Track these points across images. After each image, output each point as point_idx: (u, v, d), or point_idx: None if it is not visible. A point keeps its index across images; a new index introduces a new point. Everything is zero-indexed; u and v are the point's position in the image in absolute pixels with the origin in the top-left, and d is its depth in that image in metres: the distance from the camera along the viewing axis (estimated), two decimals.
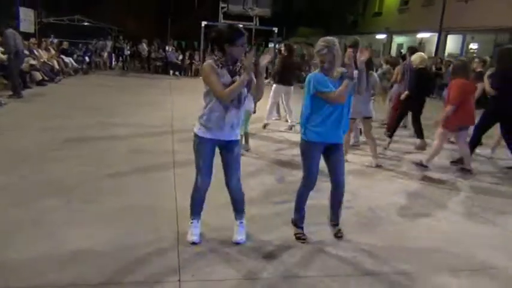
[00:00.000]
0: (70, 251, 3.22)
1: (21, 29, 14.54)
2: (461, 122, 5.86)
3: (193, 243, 3.45)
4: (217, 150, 3.45)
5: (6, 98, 9.55)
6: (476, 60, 8.33)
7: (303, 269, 3.25)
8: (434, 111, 7.95)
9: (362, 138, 7.18)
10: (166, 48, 20.72)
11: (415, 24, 23.05)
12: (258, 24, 18.47)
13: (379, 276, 3.21)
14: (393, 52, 25.77)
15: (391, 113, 8.43)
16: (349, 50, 3.32)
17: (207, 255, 3.32)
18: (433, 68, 15.44)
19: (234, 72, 3.25)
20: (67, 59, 16.26)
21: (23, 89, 10.46)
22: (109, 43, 20.91)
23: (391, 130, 7.41)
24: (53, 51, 15.11)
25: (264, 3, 17.80)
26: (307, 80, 3.59)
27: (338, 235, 3.75)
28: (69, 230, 3.55)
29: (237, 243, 3.50)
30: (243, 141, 6.24)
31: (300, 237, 3.68)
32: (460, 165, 6.26)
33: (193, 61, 19.95)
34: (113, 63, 21.37)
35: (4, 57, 10.51)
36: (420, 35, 23.94)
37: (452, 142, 7.07)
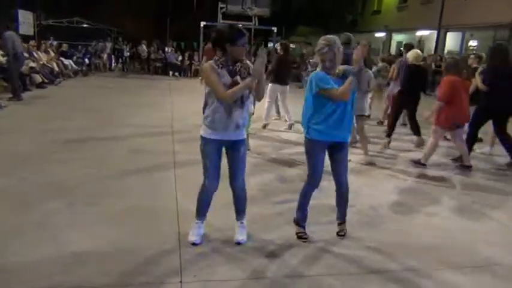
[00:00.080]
0: (73, 253, 3.23)
1: (21, 31, 14.55)
2: (454, 119, 5.85)
3: (194, 244, 3.45)
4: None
5: (6, 100, 9.56)
6: (472, 56, 8.34)
7: (307, 268, 3.24)
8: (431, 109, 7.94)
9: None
10: (166, 49, 20.72)
11: (414, 22, 23.04)
12: (257, 24, 18.47)
13: (386, 274, 3.22)
14: (393, 50, 25.76)
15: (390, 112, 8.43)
16: (359, 47, 3.30)
17: (209, 255, 3.32)
18: (433, 66, 15.45)
19: (234, 73, 3.25)
20: (66, 61, 16.25)
21: (22, 92, 10.46)
22: (108, 45, 20.89)
23: (389, 129, 7.40)
24: (52, 54, 15.11)
25: (263, 3, 17.78)
26: (308, 79, 3.59)
27: (340, 234, 3.75)
28: (71, 232, 3.55)
29: (239, 243, 3.50)
30: None
31: (302, 237, 3.67)
32: (460, 163, 6.25)
33: (193, 62, 19.95)
34: (113, 64, 21.35)
35: (3, 59, 10.52)
36: (419, 33, 23.92)
37: (448, 139, 7.07)
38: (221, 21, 17.68)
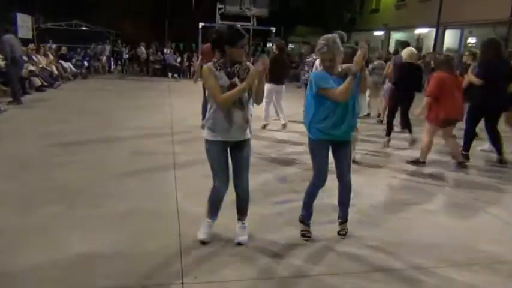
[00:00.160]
0: (75, 256, 3.23)
1: (19, 35, 14.53)
2: (446, 115, 5.81)
3: (203, 242, 3.46)
4: None
5: (5, 104, 9.56)
6: (467, 53, 8.36)
7: (310, 268, 3.24)
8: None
9: (358, 136, 7.17)
10: (165, 50, 20.71)
11: (412, 19, 23.02)
12: (255, 24, 18.46)
13: (390, 272, 3.22)
14: (392, 48, 25.73)
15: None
16: (359, 53, 3.26)
17: (210, 256, 3.32)
18: (432, 64, 15.43)
19: (232, 74, 3.24)
20: (66, 64, 16.25)
21: (22, 95, 10.45)
22: (107, 47, 20.88)
23: (387, 128, 7.40)
24: (51, 57, 15.12)
25: (261, 3, 17.78)
26: (309, 79, 3.59)
27: (341, 233, 3.75)
28: (73, 235, 3.55)
29: (240, 244, 3.49)
30: None
31: (305, 235, 3.68)
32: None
33: (192, 63, 19.94)
34: (112, 67, 21.36)
35: (2, 63, 10.52)
36: (418, 31, 23.90)
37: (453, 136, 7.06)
38: (219, 21, 17.68)
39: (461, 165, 6.10)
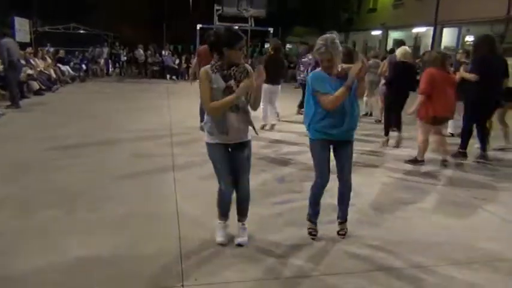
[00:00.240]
0: (75, 260, 3.22)
1: (17, 39, 14.53)
2: (434, 113, 5.78)
3: (221, 245, 3.48)
4: None
5: (4, 108, 9.57)
6: (460, 51, 8.36)
7: (311, 268, 3.24)
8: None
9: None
10: (163, 52, 20.73)
11: (410, 18, 23.05)
12: (253, 25, 18.49)
13: (390, 271, 3.22)
14: (389, 47, 25.75)
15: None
16: (363, 61, 3.25)
17: (210, 258, 3.32)
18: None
19: (228, 77, 3.23)
20: (64, 68, 16.26)
21: (20, 99, 10.45)
22: (105, 50, 20.91)
23: (385, 128, 7.40)
24: (49, 60, 15.12)
25: (259, 4, 17.81)
26: (306, 79, 3.60)
27: (340, 233, 3.75)
28: (73, 239, 3.55)
29: (240, 245, 3.49)
30: None
31: (311, 233, 3.70)
32: (461, 157, 6.26)
33: (190, 65, 19.93)
34: (110, 69, 21.37)
35: (0, 67, 10.52)
36: (416, 30, 23.93)
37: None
38: (217, 23, 17.70)
39: (443, 163, 6.08)
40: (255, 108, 3.41)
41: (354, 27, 30.41)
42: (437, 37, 20.22)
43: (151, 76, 19.92)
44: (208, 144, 3.40)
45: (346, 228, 3.79)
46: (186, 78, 19.59)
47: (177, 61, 20.58)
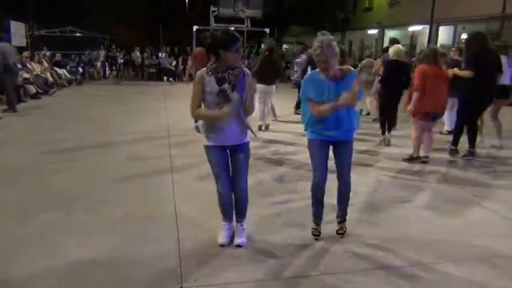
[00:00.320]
0: (72, 263, 3.21)
1: (13, 43, 14.49)
2: (425, 109, 5.78)
3: (222, 246, 3.47)
4: None
5: (1, 112, 9.54)
6: (453, 49, 8.36)
7: (311, 268, 3.24)
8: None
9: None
10: (159, 54, 20.72)
11: (406, 17, 23.09)
12: (249, 25, 18.49)
13: (390, 270, 3.22)
14: (386, 46, 25.76)
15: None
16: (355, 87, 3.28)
17: (209, 259, 3.31)
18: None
19: (223, 80, 3.22)
20: (60, 71, 16.22)
21: (17, 103, 10.43)
22: (102, 52, 20.87)
23: (381, 127, 7.41)
24: (45, 64, 15.09)
25: (255, 5, 17.81)
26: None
27: (339, 232, 3.75)
28: (71, 242, 3.54)
29: (239, 246, 3.49)
30: None
31: (313, 233, 3.69)
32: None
33: (187, 66, 19.93)
34: (107, 72, 21.33)
35: None
36: (412, 28, 23.98)
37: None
38: (213, 24, 17.69)
39: (422, 160, 6.07)
40: (249, 113, 3.39)
41: (351, 27, 30.43)
42: (433, 35, 20.24)
43: (148, 78, 19.90)
44: (205, 146, 3.42)
45: (345, 228, 3.78)
46: (183, 79, 19.61)
47: (174, 63, 20.57)
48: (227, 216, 3.59)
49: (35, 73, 13.42)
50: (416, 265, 3.29)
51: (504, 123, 7.17)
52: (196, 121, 4.71)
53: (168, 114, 10.01)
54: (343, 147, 3.61)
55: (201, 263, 3.26)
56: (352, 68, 3.64)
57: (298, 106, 9.68)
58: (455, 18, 19.48)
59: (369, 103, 9.79)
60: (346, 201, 3.76)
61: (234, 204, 3.57)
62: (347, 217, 3.81)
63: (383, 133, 7.32)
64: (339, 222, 3.80)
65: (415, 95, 5.82)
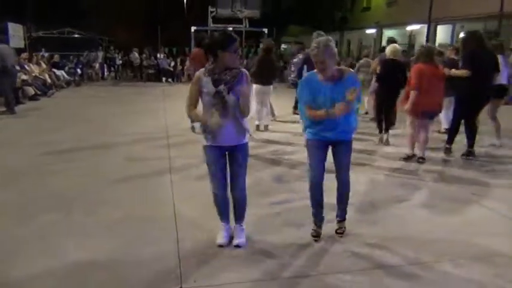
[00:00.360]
0: (72, 265, 3.21)
1: (11, 44, 14.45)
2: (423, 108, 5.78)
3: (220, 246, 3.47)
4: None
5: None
6: (449, 47, 8.34)
7: (310, 267, 3.24)
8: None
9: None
10: (158, 55, 20.72)
11: (404, 16, 23.11)
12: (247, 26, 18.48)
13: (388, 269, 3.22)
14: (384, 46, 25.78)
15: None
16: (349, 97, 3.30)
17: (208, 260, 3.31)
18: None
19: (219, 81, 3.21)
20: (59, 72, 16.21)
21: (16, 105, 10.42)
22: (100, 54, 20.86)
23: (377, 126, 7.41)
24: (44, 65, 15.07)
25: (253, 5, 17.80)
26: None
27: (338, 231, 3.75)
28: (70, 244, 3.54)
29: (238, 246, 3.49)
30: None
31: (312, 234, 3.67)
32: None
33: (185, 67, 19.93)
34: (105, 73, 21.34)
35: None
36: (410, 27, 24.00)
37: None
38: (211, 25, 17.69)
39: (419, 161, 6.07)
40: (245, 115, 3.37)
41: (349, 26, 30.46)
42: (431, 34, 20.26)
43: (147, 79, 19.90)
44: (203, 146, 3.43)
45: (345, 227, 3.79)
46: (182, 80, 19.62)
47: (172, 64, 20.57)
48: (223, 217, 3.59)
49: (33, 75, 13.41)
50: (415, 264, 3.30)
51: (503, 123, 7.18)
52: (192, 121, 4.71)
53: (166, 115, 10.01)
54: (341, 148, 3.61)
55: (201, 263, 3.26)
56: (351, 70, 3.64)
57: (296, 106, 9.68)
58: (453, 17, 19.50)
59: (366, 102, 9.79)
60: (345, 201, 3.76)
61: (233, 205, 3.57)
62: (348, 216, 3.81)
63: (380, 132, 7.33)
64: (339, 222, 3.80)
65: (412, 93, 5.82)
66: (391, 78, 6.96)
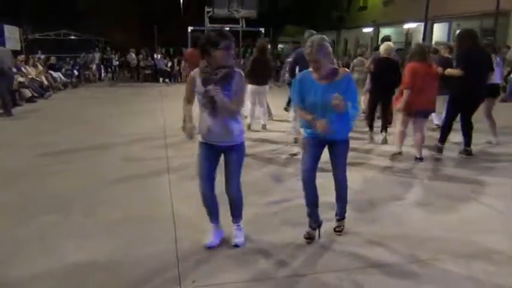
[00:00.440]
0: (71, 266, 3.22)
1: (7, 47, 14.44)
2: (416, 107, 5.77)
3: (209, 247, 3.46)
4: None
5: None
6: (442, 46, 8.33)
7: (309, 266, 3.25)
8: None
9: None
10: (155, 55, 20.70)
11: (401, 15, 23.16)
12: (244, 26, 18.47)
13: (387, 267, 3.23)
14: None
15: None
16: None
17: (207, 260, 3.32)
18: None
19: (209, 81, 3.20)
20: (55, 74, 16.17)
21: (13, 107, 10.40)
22: (97, 55, 20.84)
23: (369, 123, 7.43)
24: (40, 67, 15.05)
25: (250, 5, 17.78)
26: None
27: (337, 230, 3.76)
28: (69, 245, 3.54)
29: (236, 246, 3.49)
30: None
31: (304, 237, 3.64)
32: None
33: (181, 67, 19.91)
34: (102, 74, 21.29)
35: None
36: (407, 26, 24.03)
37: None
38: (208, 25, 17.67)
39: (416, 160, 6.06)
40: (234, 114, 3.35)
41: (346, 25, 30.49)
42: (428, 33, 20.30)
43: (144, 80, 19.88)
44: (199, 142, 3.45)
45: (343, 226, 3.80)
46: (179, 80, 19.60)
47: (169, 64, 20.55)
48: (213, 218, 3.57)
49: (30, 77, 13.38)
50: (413, 262, 3.31)
51: (499, 120, 7.19)
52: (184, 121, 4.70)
53: (164, 115, 10.00)
54: (337, 147, 3.61)
55: (199, 263, 3.26)
56: (347, 70, 3.65)
57: (289, 104, 9.68)
58: (450, 15, 19.54)
59: (362, 102, 9.80)
60: (343, 200, 3.77)
61: (229, 205, 3.56)
62: (346, 214, 3.82)
63: (370, 130, 7.35)
64: (338, 220, 3.81)
65: (405, 92, 5.82)
66: (385, 76, 6.96)
